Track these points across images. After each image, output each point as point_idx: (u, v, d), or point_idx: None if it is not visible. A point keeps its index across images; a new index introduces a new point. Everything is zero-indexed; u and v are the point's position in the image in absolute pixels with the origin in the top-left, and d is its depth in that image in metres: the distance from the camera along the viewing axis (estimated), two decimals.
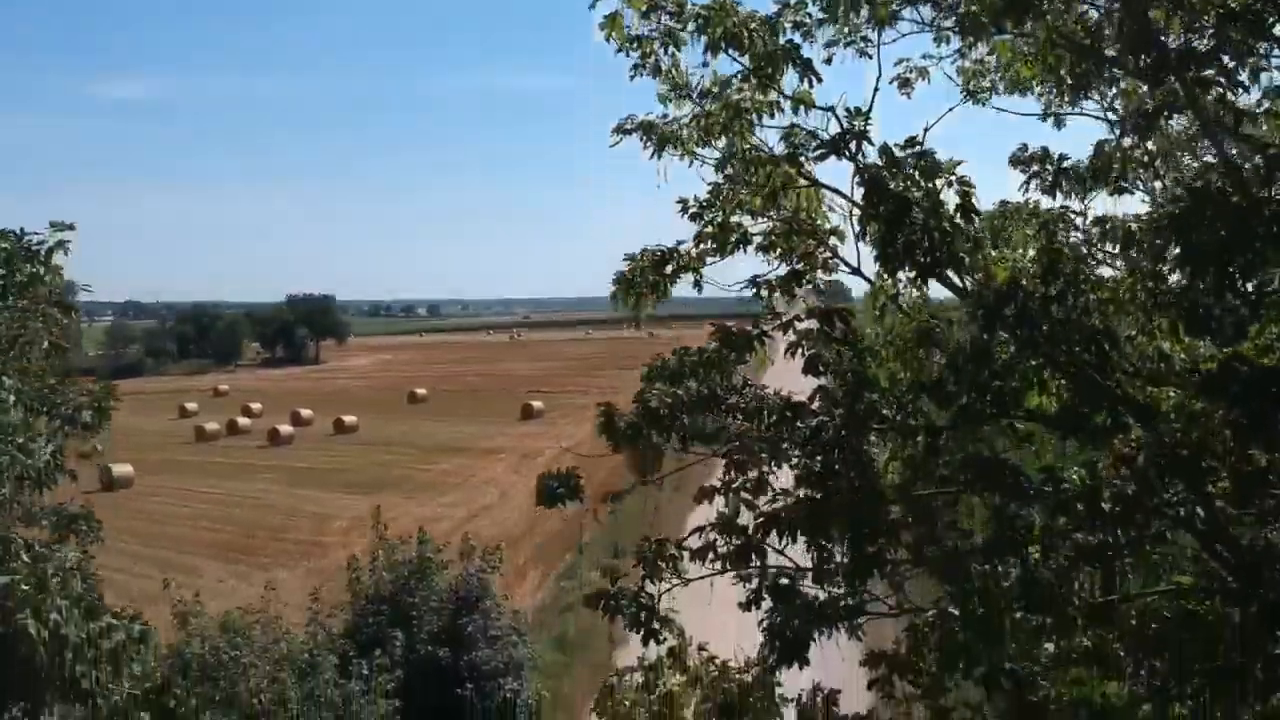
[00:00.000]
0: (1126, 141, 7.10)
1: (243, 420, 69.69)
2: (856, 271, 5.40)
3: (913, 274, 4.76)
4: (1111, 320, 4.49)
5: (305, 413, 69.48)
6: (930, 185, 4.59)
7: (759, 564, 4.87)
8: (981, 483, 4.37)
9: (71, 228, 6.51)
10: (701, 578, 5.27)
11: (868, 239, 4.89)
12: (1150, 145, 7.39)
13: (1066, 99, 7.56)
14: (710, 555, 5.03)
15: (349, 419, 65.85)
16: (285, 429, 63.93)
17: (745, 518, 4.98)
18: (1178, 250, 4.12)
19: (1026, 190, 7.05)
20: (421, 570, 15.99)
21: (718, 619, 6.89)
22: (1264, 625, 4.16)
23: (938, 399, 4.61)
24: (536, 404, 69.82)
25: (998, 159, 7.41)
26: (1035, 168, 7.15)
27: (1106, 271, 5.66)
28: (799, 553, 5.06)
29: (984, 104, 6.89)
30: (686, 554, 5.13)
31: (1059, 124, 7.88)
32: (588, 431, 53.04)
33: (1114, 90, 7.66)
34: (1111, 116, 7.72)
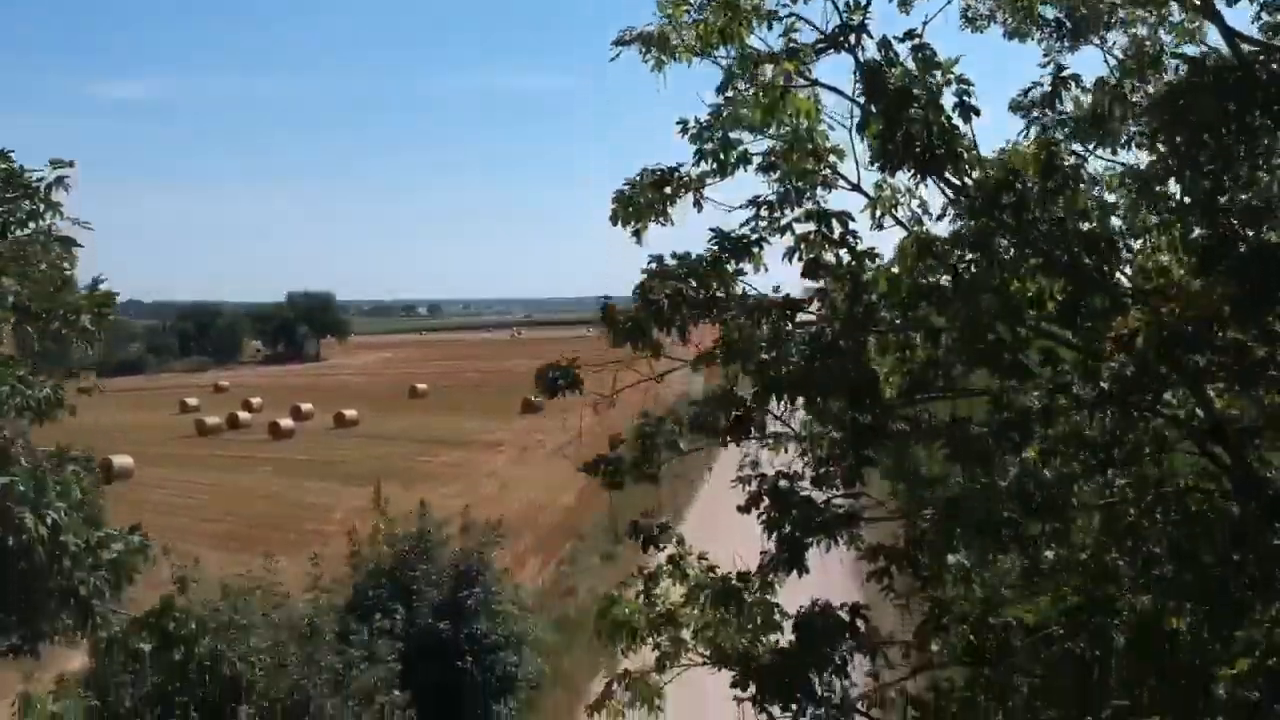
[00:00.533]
0: (1128, 85, 7.08)
1: (243, 415, 69.67)
2: (856, 188, 5.39)
3: (911, 173, 4.76)
4: (1109, 226, 4.49)
5: (306, 407, 69.49)
6: (929, 79, 4.59)
7: (757, 437, 4.84)
8: (980, 361, 4.35)
9: (71, 164, 6.48)
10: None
11: (866, 139, 4.89)
12: (1151, 89, 7.36)
13: (1067, 44, 7.53)
14: (709, 431, 5.00)
15: (350, 413, 65.83)
16: (286, 423, 63.89)
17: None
18: (1175, 126, 4.11)
19: (1027, 135, 7.04)
20: (422, 544, 16.02)
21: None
22: (1264, 522, 4.14)
23: (938, 303, 4.60)
24: (537, 398, 69.68)
25: (998, 105, 7.40)
26: (1036, 113, 7.13)
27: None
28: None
29: (981, 31, 6.86)
30: (685, 428, 5.08)
31: (1060, 78, 7.87)
32: (588, 424, 52.85)
33: (1113, 38, 7.65)
34: (1111, 61, 7.68)
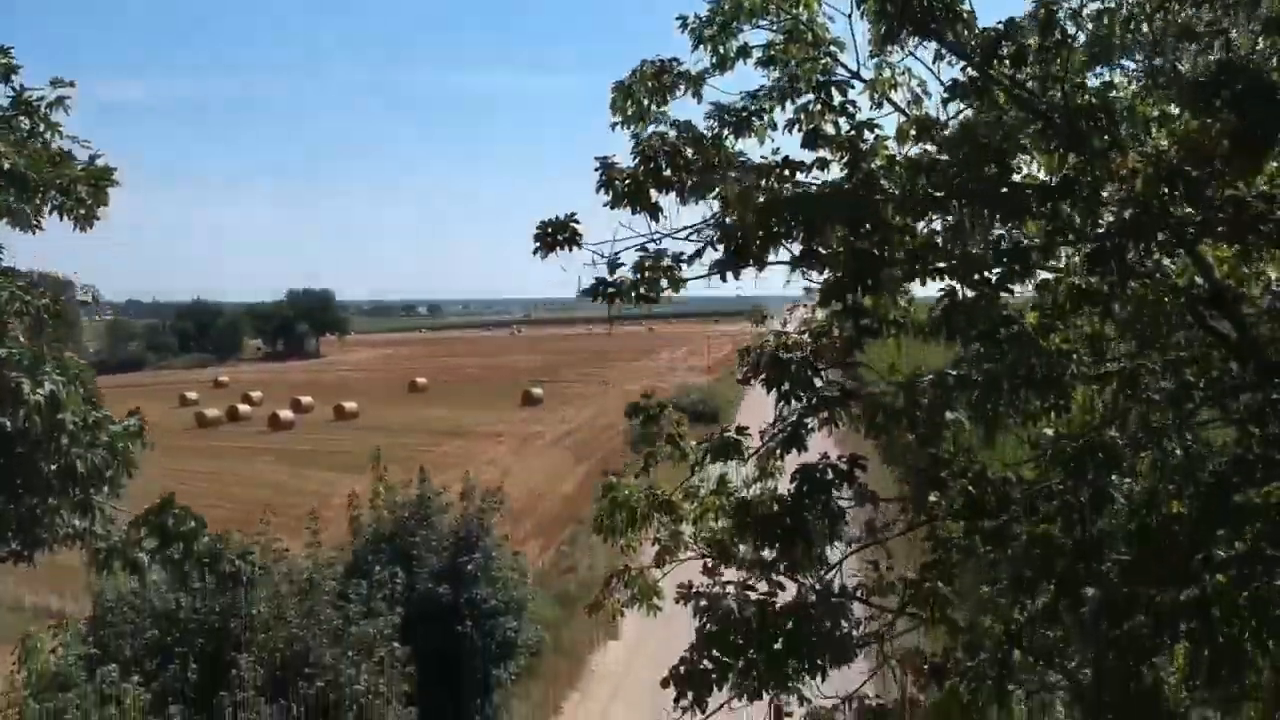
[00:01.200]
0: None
1: (243, 408, 69.69)
2: (855, 76, 5.37)
3: (911, 38, 4.74)
4: (1108, 98, 4.48)
5: (306, 399, 69.51)
6: None
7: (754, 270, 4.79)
8: (980, 201, 4.32)
9: (72, 85, 6.45)
10: None
11: (865, 12, 4.87)
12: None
13: None
14: (704, 268, 4.94)
15: (350, 405, 65.85)
16: (286, 415, 63.93)
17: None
18: None
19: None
20: (422, 509, 15.99)
21: None
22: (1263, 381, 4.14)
23: (935, 182, 4.57)
24: (536, 391, 69.86)
25: None
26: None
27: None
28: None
29: None
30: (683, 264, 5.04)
31: None
32: (587, 416, 53.11)
33: None
34: None
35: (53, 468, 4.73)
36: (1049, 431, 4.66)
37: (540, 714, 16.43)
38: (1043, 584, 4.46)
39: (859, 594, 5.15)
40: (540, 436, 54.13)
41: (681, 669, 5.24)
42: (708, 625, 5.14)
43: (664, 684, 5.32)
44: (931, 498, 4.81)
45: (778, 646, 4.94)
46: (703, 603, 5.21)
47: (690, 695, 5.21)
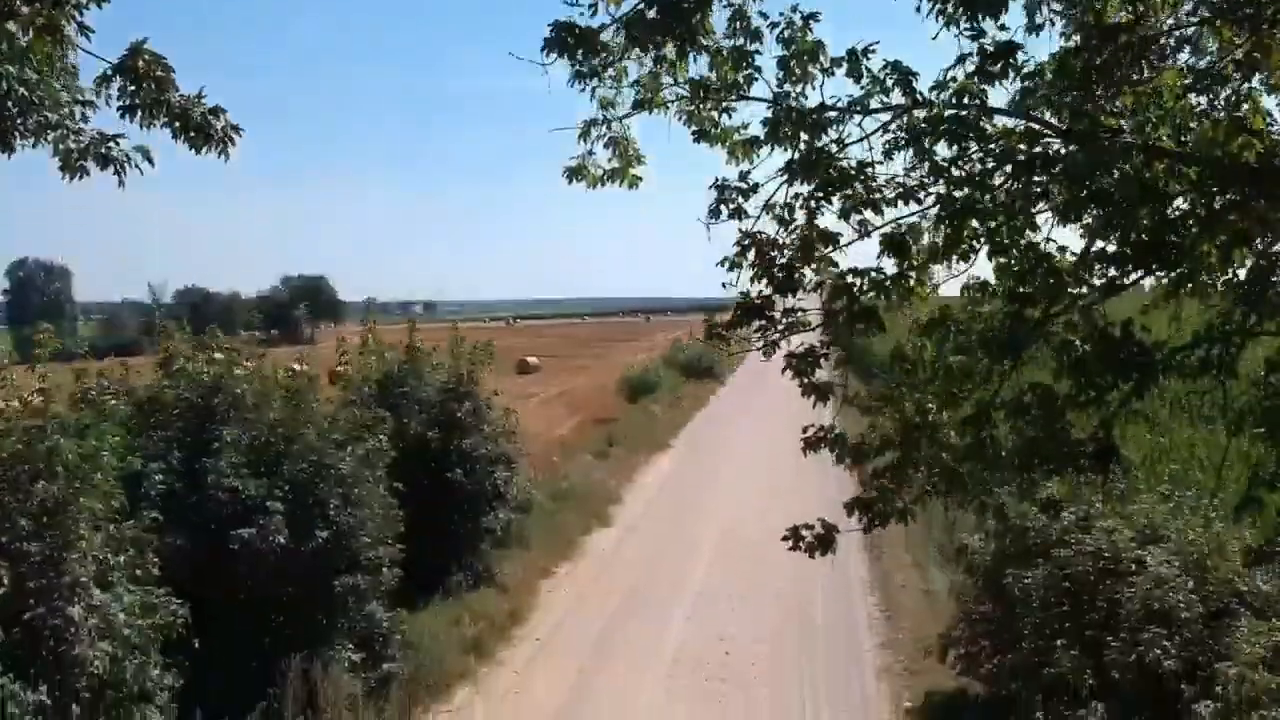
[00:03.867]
0: None
1: None
2: None
3: None
4: None
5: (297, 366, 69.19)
6: None
7: None
8: None
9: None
10: None
11: None
12: None
13: None
14: None
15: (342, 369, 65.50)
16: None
17: None
18: None
19: None
20: (412, 362, 15.84)
21: None
22: None
23: None
24: (532, 360, 69.68)
25: None
26: None
27: None
28: None
29: None
30: None
31: None
32: (582, 381, 52.65)
33: None
34: None
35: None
36: None
37: (531, 574, 16.26)
38: None
39: None
40: (535, 396, 53.96)
41: None
42: None
43: None
44: None
45: None
46: None
47: None
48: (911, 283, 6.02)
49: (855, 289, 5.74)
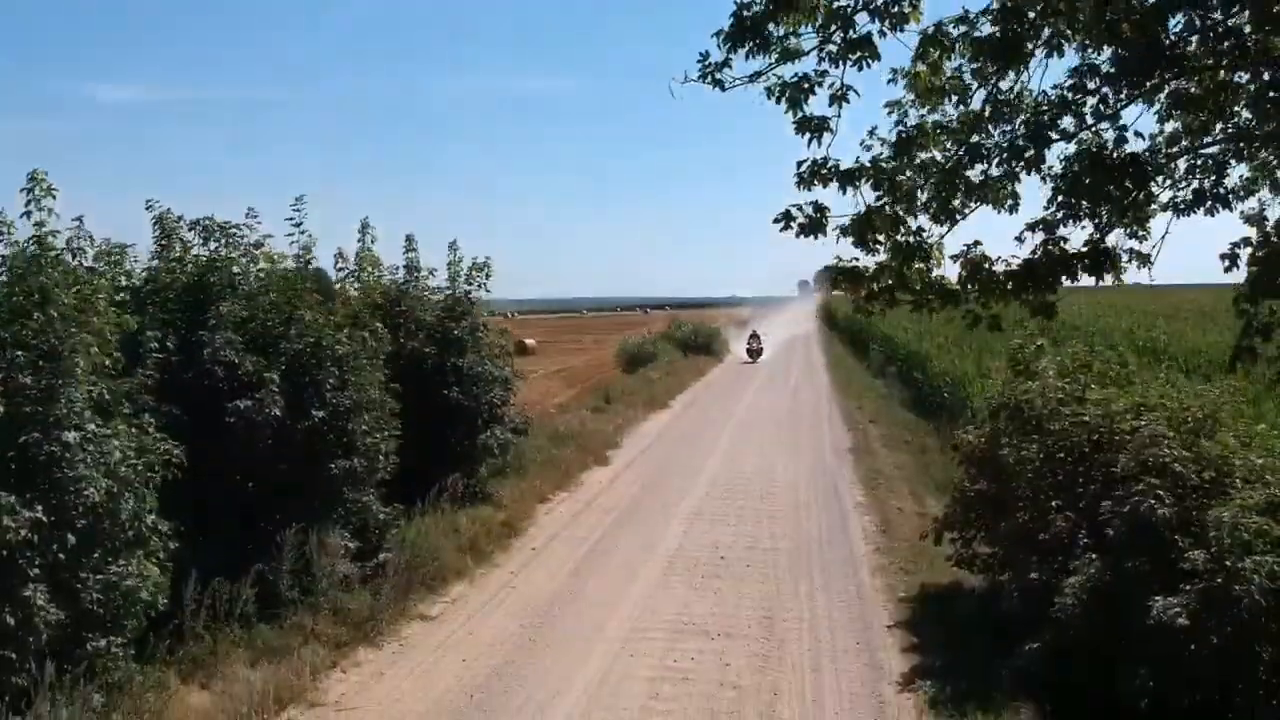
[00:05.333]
0: None
1: None
2: None
3: None
4: None
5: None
6: None
7: None
8: None
9: None
10: None
11: None
12: None
13: None
14: None
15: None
16: None
17: None
18: None
19: None
20: (411, 275, 15.82)
21: None
22: None
23: None
24: (530, 341, 69.79)
25: None
26: None
27: None
28: None
29: None
30: None
31: None
32: (581, 361, 52.64)
33: None
34: None
35: None
36: None
37: (528, 499, 16.27)
38: None
39: None
40: (534, 373, 54.05)
41: None
42: None
43: None
44: None
45: None
46: None
47: None
48: None
49: None
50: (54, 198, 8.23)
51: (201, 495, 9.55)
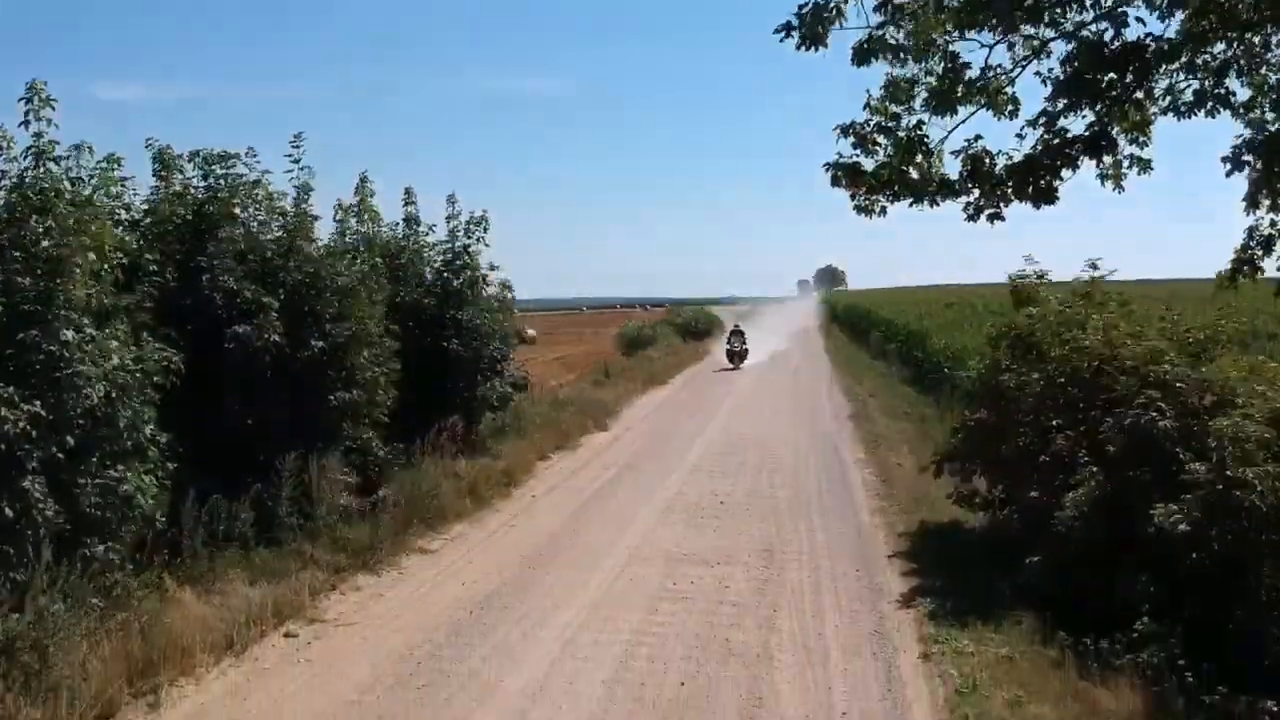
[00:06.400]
0: None
1: None
2: None
3: None
4: None
5: None
6: None
7: None
8: None
9: None
10: None
11: None
12: None
13: None
14: None
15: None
16: None
17: None
18: None
19: None
20: (410, 228, 15.79)
21: None
22: None
23: None
24: (530, 331, 69.86)
25: None
26: None
27: None
28: None
29: None
30: None
31: None
32: (580, 350, 52.73)
33: None
34: None
35: None
36: None
37: (528, 456, 16.24)
38: None
39: None
40: (533, 360, 54.11)
41: None
42: None
43: None
44: None
45: None
46: None
47: None
48: None
49: None
50: (53, 108, 8.20)
51: (200, 423, 9.54)
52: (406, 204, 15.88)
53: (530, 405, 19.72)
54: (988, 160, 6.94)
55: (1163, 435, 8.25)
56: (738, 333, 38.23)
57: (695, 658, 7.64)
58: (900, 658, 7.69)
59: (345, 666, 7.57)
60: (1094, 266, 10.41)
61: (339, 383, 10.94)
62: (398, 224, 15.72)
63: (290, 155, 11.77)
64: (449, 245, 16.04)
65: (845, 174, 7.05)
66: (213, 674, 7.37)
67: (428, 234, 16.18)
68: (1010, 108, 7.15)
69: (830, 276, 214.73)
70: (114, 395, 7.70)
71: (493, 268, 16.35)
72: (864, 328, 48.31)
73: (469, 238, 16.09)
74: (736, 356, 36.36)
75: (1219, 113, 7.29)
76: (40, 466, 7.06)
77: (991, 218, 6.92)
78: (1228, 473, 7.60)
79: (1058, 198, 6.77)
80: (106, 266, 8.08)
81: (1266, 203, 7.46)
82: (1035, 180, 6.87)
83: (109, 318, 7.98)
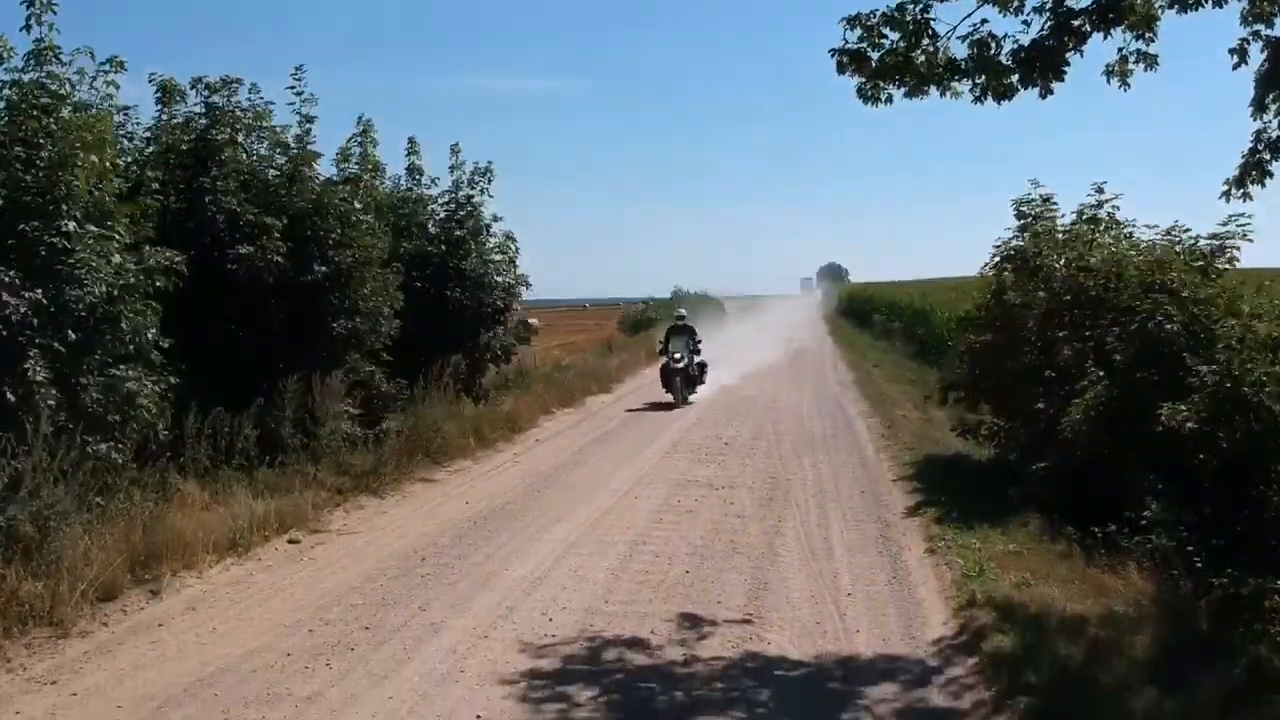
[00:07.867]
0: None
1: None
2: None
3: None
4: None
5: None
6: None
7: None
8: None
9: None
10: None
11: None
12: None
13: None
14: None
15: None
16: None
17: None
18: None
19: None
20: (413, 178, 15.75)
21: None
22: None
23: None
24: (533, 321, 69.87)
25: None
26: None
27: None
28: None
29: None
30: None
31: None
32: (583, 338, 52.57)
33: None
34: None
35: None
36: None
37: (532, 409, 16.19)
38: None
39: None
40: (536, 348, 54.23)
41: None
42: None
43: None
44: None
45: None
46: None
47: None
48: None
49: None
50: (54, 12, 8.17)
51: (202, 345, 9.49)
52: (409, 154, 15.82)
53: (535, 368, 19.73)
54: (994, 44, 6.91)
55: (1169, 339, 8.19)
56: (680, 331, 19.35)
57: (700, 554, 7.61)
58: (906, 554, 7.65)
59: (350, 563, 7.55)
60: (1100, 190, 10.35)
61: (342, 312, 10.90)
62: (400, 175, 15.70)
63: (292, 88, 11.70)
64: (452, 195, 16.00)
65: (851, 59, 7.01)
66: (215, 569, 7.34)
67: (429, 187, 16.16)
68: (1016, 3, 7.11)
69: (833, 273, 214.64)
70: (115, 294, 7.67)
71: (496, 219, 16.32)
72: (867, 312, 48.18)
73: (473, 188, 16.04)
74: (679, 380, 18.15)
75: (1226, 3, 7.24)
76: (42, 354, 7.02)
77: (999, 97, 6.86)
78: (1235, 372, 7.54)
79: (1065, 73, 6.69)
80: (108, 164, 8.03)
81: (1274, 106, 7.40)
82: (1044, 66, 6.83)
83: (111, 218, 7.93)
